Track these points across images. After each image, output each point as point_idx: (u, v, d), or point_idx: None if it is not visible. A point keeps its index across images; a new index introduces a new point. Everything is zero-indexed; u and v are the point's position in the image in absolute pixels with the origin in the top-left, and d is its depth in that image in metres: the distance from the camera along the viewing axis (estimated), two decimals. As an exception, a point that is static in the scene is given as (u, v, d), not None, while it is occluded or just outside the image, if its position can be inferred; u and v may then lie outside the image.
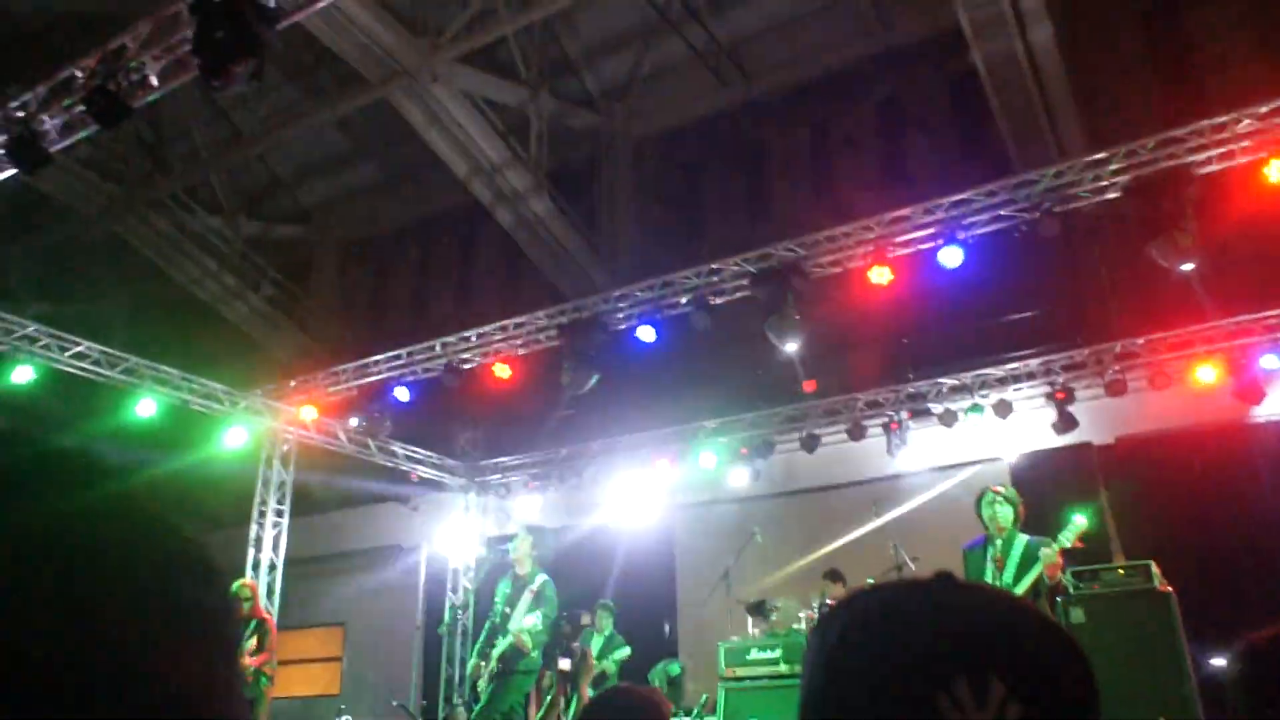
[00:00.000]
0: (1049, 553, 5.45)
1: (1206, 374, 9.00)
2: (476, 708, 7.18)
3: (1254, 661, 1.56)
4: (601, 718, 2.30)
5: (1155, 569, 7.28)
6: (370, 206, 17.34)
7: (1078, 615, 6.73)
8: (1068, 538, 5.47)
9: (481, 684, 7.14)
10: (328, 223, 17.99)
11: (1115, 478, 9.60)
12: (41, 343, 9.29)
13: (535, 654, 7.14)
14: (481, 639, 7.34)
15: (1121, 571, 7.27)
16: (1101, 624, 6.81)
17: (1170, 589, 7.11)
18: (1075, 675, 0.68)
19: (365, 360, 10.57)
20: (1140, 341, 9.27)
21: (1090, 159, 7.30)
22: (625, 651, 9.46)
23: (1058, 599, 5.67)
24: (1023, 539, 5.73)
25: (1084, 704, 0.67)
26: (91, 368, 9.72)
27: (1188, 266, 6.82)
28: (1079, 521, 5.51)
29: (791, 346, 7.99)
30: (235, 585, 8.36)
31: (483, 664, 7.15)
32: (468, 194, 13.41)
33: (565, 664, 8.05)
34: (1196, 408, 9.22)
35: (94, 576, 0.50)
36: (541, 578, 7.10)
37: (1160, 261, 6.83)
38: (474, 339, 9.81)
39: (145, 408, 10.07)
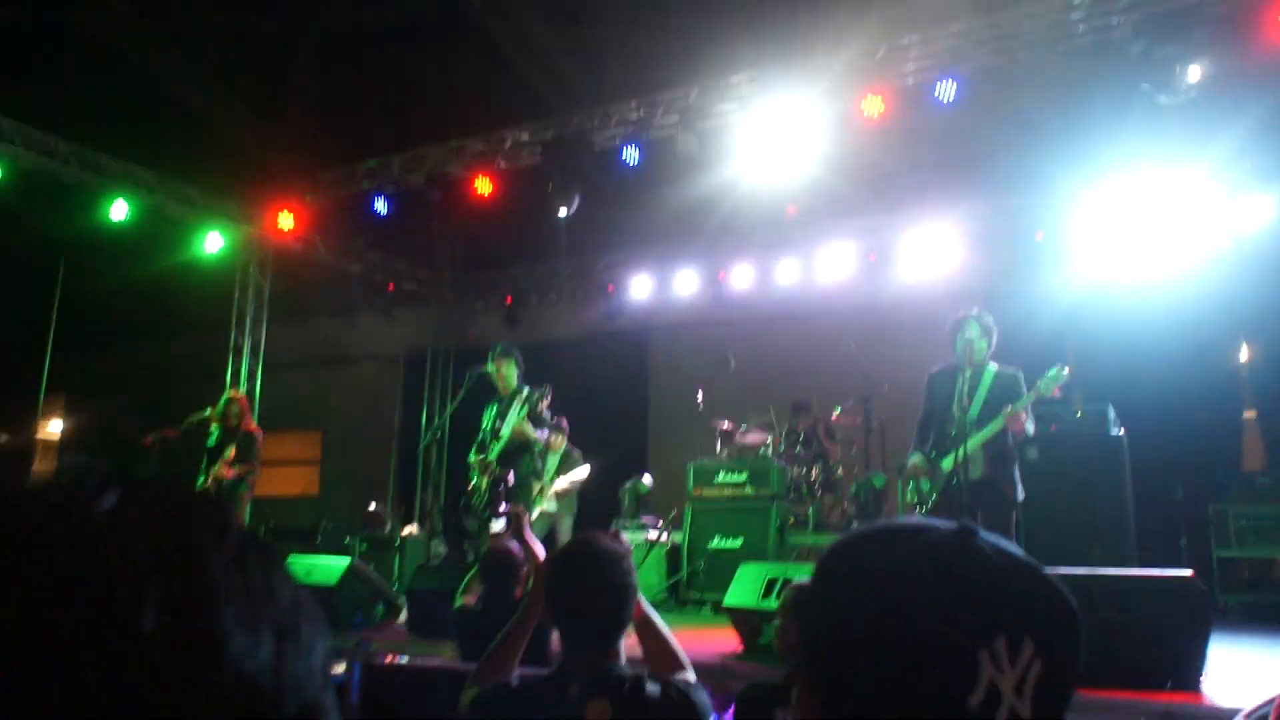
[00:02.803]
0: (1011, 411, 5.34)
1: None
2: (479, 497, 7.05)
3: None
4: (569, 574, 2.14)
5: (1111, 413, 7.51)
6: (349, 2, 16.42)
7: (1032, 454, 6.89)
8: (1047, 386, 5.33)
9: (482, 482, 7.04)
10: (304, 19, 17.08)
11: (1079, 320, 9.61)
12: (9, 138, 8.94)
13: (538, 446, 7.20)
14: (475, 446, 7.19)
15: (1080, 414, 7.49)
16: (1055, 463, 7.06)
17: (1123, 432, 7.36)
18: (1076, 634, 0.76)
19: (346, 168, 10.35)
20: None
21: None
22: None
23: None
24: (993, 368, 5.61)
25: (1078, 657, 0.76)
26: (62, 166, 9.43)
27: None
28: (1062, 371, 5.33)
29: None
30: (224, 399, 8.22)
31: (483, 460, 7.04)
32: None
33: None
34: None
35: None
36: (527, 388, 7.12)
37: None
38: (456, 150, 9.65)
39: (118, 210, 9.87)
